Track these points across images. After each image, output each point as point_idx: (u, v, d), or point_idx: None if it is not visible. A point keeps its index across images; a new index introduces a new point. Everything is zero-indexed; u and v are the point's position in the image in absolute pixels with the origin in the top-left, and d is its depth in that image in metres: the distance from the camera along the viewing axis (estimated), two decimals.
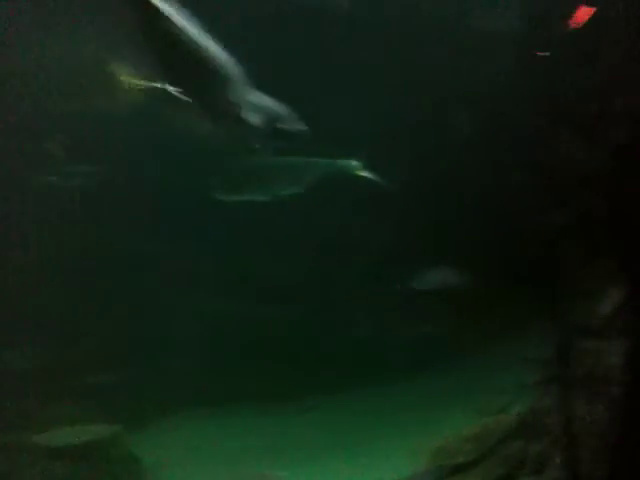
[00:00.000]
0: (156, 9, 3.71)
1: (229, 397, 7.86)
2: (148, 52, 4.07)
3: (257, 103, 4.81)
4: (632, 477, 1.91)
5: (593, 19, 5.04)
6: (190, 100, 4.39)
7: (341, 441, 7.10)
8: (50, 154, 7.75)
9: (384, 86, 7.81)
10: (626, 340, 3.66)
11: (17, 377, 6.94)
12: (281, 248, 8.25)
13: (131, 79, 6.56)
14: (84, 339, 7.82)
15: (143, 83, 5.87)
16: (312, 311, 8.27)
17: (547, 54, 6.21)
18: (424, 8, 7.95)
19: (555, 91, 5.67)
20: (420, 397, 7.70)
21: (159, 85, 4.58)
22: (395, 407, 7.65)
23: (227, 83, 4.40)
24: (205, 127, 5.07)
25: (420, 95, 7.85)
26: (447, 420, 6.55)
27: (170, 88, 4.36)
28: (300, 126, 5.24)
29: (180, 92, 4.34)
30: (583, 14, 5.20)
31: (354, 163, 6.61)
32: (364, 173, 6.65)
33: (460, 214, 8.02)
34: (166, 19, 3.77)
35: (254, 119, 4.75)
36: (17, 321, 6.95)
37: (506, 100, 7.10)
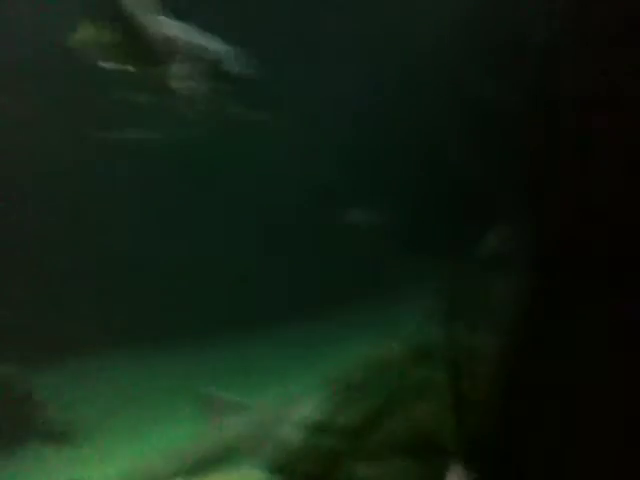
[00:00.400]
0: None
1: (137, 335, 7.61)
2: None
3: (197, 42, 4.63)
4: (519, 401, 1.94)
5: None
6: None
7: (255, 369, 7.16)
8: None
9: (321, 32, 7.82)
10: (512, 272, 3.79)
11: None
12: (191, 186, 8.01)
13: None
14: None
15: None
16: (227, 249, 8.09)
17: None
18: None
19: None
20: (328, 328, 7.81)
21: None
22: (305, 337, 7.76)
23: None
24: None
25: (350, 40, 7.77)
26: (350, 350, 6.68)
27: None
28: (245, 68, 5.01)
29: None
30: None
31: None
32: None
33: (376, 153, 8.07)
34: None
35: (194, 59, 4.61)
36: None
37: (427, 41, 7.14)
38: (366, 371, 4.93)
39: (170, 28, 4.61)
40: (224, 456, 4.74)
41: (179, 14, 4.68)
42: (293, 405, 5.06)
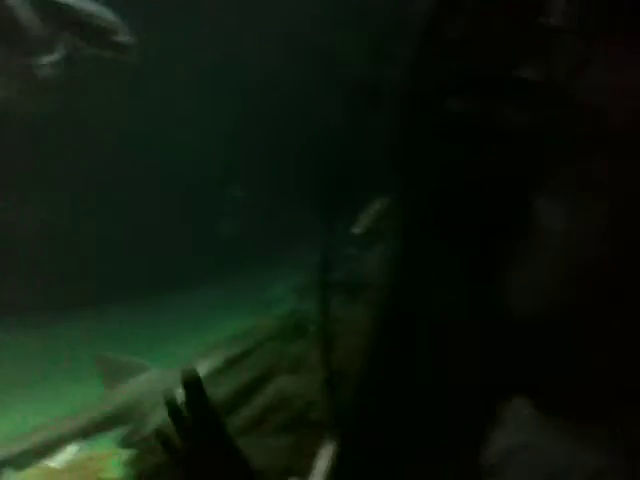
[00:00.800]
0: None
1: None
2: None
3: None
4: (387, 375, 1.92)
5: None
6: None
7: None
8: None
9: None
10: (384, 247, 3.87)
11: None
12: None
13: None
14: None
15: None
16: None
17: None
18: None
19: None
20: (201, 300, 7.68)
21: None
22: (189, 307, 7.60)
23: None
24: None
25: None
26: (224, 325, 6.58)
27: None
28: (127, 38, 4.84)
29: None
30: None
31: None
32: None
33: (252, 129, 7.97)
34: None
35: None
36: None
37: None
38: (237, 346, 4.86)
39: None
40: (111, 422, 4.55)
41: None
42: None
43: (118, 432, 4.47)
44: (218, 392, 4.31)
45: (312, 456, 1.79)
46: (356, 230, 5.00)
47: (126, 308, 7.56)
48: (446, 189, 2.23)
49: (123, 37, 4.78)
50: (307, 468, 1.76)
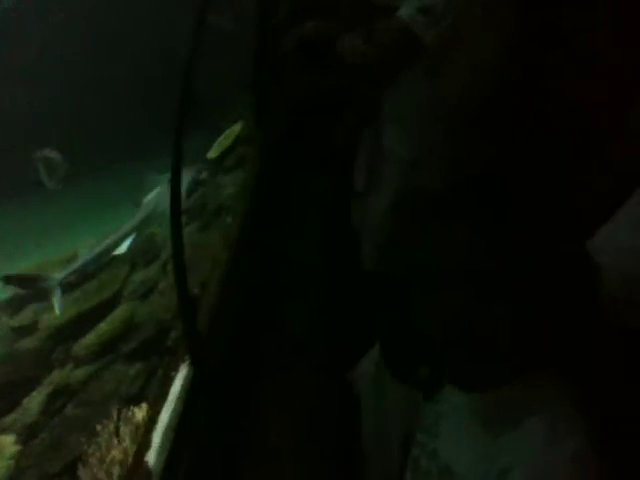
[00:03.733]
0: None
1: None
2: None
3: None
4: (239, 298, 1.96)
5: None
6: None
7: None
8: None
9: None
10: (240, 172, 3.82)
11: None
12: None
13: None
14: None
15: None
16: None
17: None
18: None
19: None
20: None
21: None
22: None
23: None
24: None
25: None
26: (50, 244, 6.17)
27: None
28: None
29: None
30: None
31: None
32: None
33: None
34: None
35: None
36: None
37: None
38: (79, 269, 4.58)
39: None
40: None
41: None
42: None
43: None
44: (60, 316, 4.09)
45: (166, 382, 1.76)
46: (211, 155, 4.87)
47: None
48: (301, 113, 2.26)
49: None
50: (161, 394, 1.73)
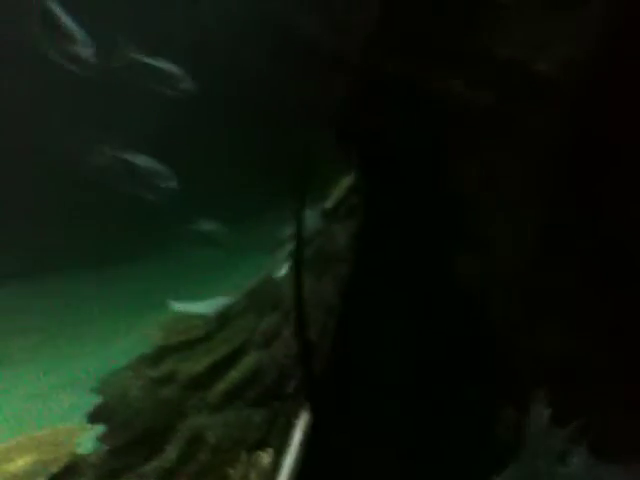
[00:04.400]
0: None
1: None
2: None
3: None
4: (353, 345, 2.00)
5: None
6: None
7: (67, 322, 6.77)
8: None
9: None
10: (352, 222, 3.92)
11: None
12: None
13: None
14: None
15: None
16: None
17: None
18: None
19: None
20: (145, 278, 7.61)
21: None
22: (122, 288, 7.44)
23: None
24: None
25: None
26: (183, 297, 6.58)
27: None
28: None
29: None
30: None
31: None
32: None
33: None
34: None
35: None
36: None
37: None
38: (209, 323, 4.88)
39: None
40: None
41: None
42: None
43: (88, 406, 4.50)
44: (194, 367, 4.34)
45: (288, 428, 1.84)
46: (327, 205, 5.02)
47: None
48: (405, 168, 2.28)
49: None
50: (283, 440, 1.82)
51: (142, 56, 5.70)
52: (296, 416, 1.81)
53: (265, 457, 2.61)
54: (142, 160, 5.69)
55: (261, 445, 2.84)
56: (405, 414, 1.70)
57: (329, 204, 4.99)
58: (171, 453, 3.66)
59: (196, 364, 4.45)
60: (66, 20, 4.76)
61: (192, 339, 4.86)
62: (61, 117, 7.46)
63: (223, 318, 5.00)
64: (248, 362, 4.11)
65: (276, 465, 1.73)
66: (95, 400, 4.51)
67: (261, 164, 7.17)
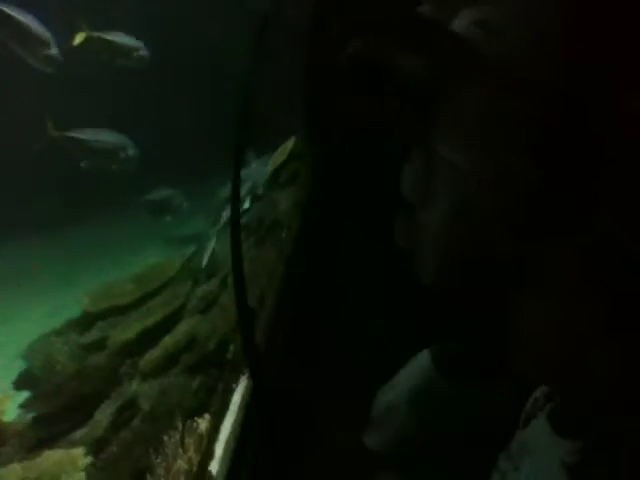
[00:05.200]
0: None
1: None
2: None
3: None
4: (296, 310, 1.98)
5: None
6: None
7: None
8: None
9: None
10: (295, 188, 3.89)
11: None
12: None
13: None
14: None
15: None
16: None
17: None
18: None
19: None
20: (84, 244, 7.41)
21: None
22: (61, 252, 7.23)
23: None
24: None
25: None
26: (115, 264, 6.43)
27: None
28: None
29: None
30: None
31: None
32: None
33: None
34: None
35: None
36: None
37: None
38: (143, 288, 4.77)
39: None
40: None
41: None
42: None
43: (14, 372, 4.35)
44: (124, 334, 4.25)
45: (227, 394, 1.82)
46: (266, 170, 4.97)
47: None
48: (353, 134, 2.28)
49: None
50: (222, 406, 1.78)
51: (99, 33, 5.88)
52: (236, 382, 1.77)
53: (202, 423, 2.59)
54: (97, 133, 5.83)
55: (199, 412, 2.81)
56: (350, 379, 1.70)
57: (269, 169, 4.94)
58: (102, 421, 3.58)
59: (127, 330, 4.35)
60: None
61: (123, 305, 4.74)
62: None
63: (157, 284, 4.89)
64: (183, 329, 4.04)
65: (214, 431, 1.70)
66: (22, 366, 4.37)
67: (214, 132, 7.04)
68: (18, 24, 4.81)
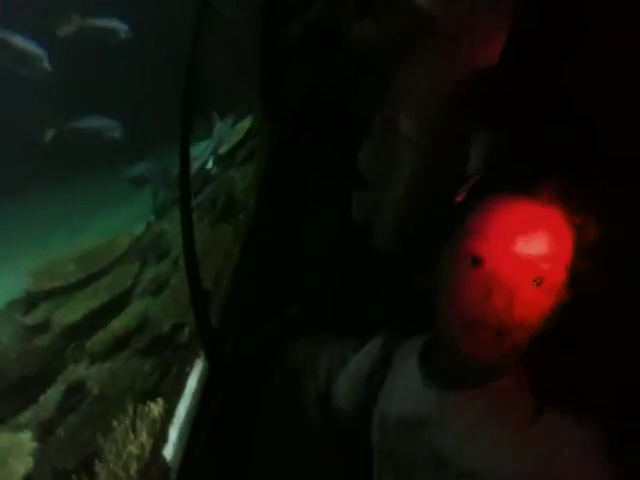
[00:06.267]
0: None
1: None
2: None
3: None
4: (254, 290, 1.95)
5: None
6: None
7: None
8: None
9: None
10: (251, 166, 3.82)
11: None
12: None
13: None
14: None
15: None
16: None
17: None
18: None
19: None
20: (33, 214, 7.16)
21: None
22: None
23: None
24: None
25: None
26: (57, 241, 6.21)
27: None
28: None
29: None
30: None
31: None
32: None
33: None
34: None
35: None
36: None
37: None
38: (87, 269, 4.61)
39: None
40: None
41: None
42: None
43: None
44: (69, 315, 4.11)
45: (181, 377, 1.76)
46: (221, 150, 4.86)
47: None
48: (309, 111, 2.23)
49: None
50: (177, 389, 1.73)
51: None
52: (190, 365, 1.72)
53: (155, 408, 2.52)
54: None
55: (151, 395, 2.74)
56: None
57: (224, 149, 4.83)
58: (48, 404, 3.46)
59: (72, 312, 4.21)
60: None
61: (67, 285, 4.58)
62: None
63: (103, 264, 4.74)
64: (133, 311, 3.93)
65: (167, 416, 1.64)
66: None
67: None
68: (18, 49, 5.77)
